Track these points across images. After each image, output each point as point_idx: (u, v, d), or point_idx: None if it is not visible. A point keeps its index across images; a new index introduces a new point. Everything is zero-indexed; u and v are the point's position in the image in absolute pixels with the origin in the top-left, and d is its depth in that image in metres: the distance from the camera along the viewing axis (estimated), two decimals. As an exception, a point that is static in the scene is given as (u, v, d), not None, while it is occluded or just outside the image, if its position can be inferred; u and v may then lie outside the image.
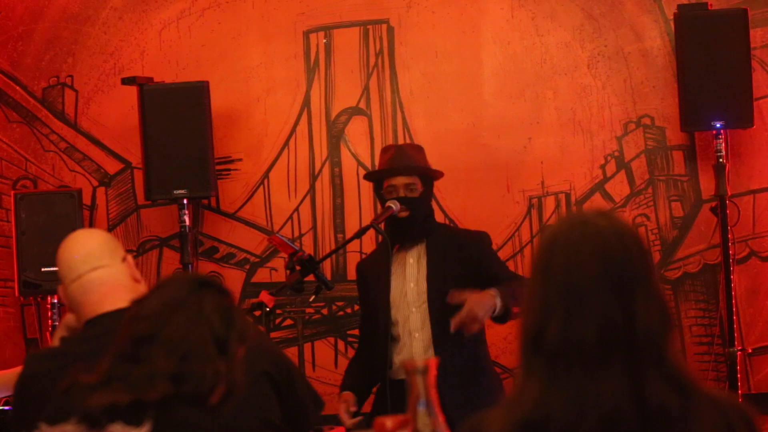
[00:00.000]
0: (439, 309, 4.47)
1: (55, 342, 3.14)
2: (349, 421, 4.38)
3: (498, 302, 4.27)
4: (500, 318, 4.39)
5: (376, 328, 4.59)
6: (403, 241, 4.58)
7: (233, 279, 5.97)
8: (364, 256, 5.35)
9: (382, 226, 4.53)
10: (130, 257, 3.17)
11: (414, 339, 4.53)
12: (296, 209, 6.00)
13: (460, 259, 4.55)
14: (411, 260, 4.60)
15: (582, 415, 1.91)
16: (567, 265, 1.98)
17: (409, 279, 4.58)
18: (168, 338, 2.64)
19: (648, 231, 5.75)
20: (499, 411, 2.00)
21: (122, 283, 3.05)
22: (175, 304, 2.68)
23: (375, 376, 4.59)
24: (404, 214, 4.53)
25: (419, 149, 4.73)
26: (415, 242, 4.59)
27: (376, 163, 5.73)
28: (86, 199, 6.04)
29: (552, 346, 1.95)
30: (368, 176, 4.82)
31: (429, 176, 4.63)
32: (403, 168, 4.56)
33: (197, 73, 5.96)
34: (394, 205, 4.52)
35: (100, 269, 3.08)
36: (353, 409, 4.44)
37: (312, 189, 5.99)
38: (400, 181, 4.56)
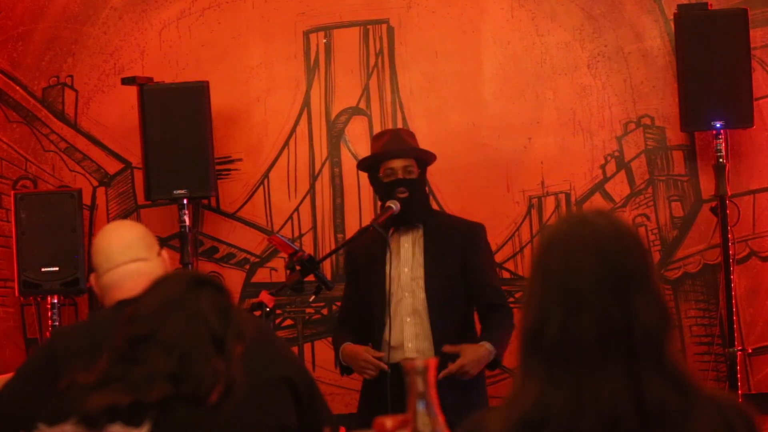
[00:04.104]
0: (435, 297, 4.52)
1: None
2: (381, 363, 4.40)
3: (492, 356, 4.43)
4: (489, 366, 4.51)
5: (364, 309, 4.59)
6: (401, 223, 4.58)
7: (233, 279, 5.97)
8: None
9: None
10: (164, 252, 3.19)
11: (405, 323, 4.54)
12: (296, 209, 6.00)
13: (456, 249, 4.57)
14: (406, 245, 4.59)
15: (581, 415, 1.91)
16: (565, 264, 1.98)
17: (404, 263, 4.58)
18: (166, 338, 2.64)
19: (648, 231, 5.75)
20: (498, 410, 2.00)
21: (157, 276, 3.05)
22: (171, 303, 2.68)
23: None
24: (404, 195, 4.54)
25: (411, 134, 4.76)
26: (411, 226, 4.60)
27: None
28: (86, 199, 6.04)
29: (551, 345, 1.95)
30: (363, 162, 4.76)
31: (423, 160, 4.65)
32: (400, 151, 4.57)
33: (197, 73, 5.96)
34: (394, 205, 4.52)
35: (138, 262, 3.10)
36: (379, 354, 4.45)
37: (312, 189, 5.99)
38: (397, 163, 4.57)
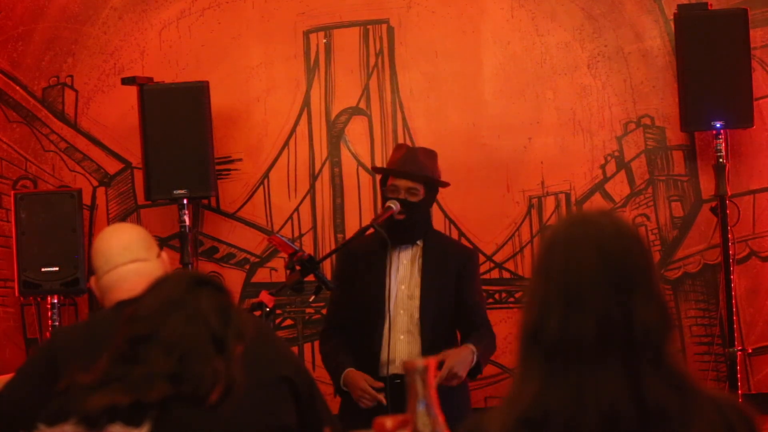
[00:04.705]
0: (429, 317, 4.55)
1: None
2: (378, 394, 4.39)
3: (475, 358, 4.43)
4: (470, 374, 4.50)
5: (356, 319, 4.59)
6: (396, 242, 4.59)
7: (233, 279, 5.97)
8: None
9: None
10: (164, 254, 3.19)
11: (399, 341, 4.56)
12: (296, 209, 6.00)
13: (452, 272, 4.61)
14: (405, 261, 4.61)
15: (581, 413, 1.92)
16: (567, 263, 1.98)
17: (401, 280, 4.59)
18: (166, 338, 2.64)
19: (648, 231, 5.75)
20: (498, 409, 2.00)
21: (157, 277, 3.05)
22: (171, 303, 2.68)
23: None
24: (400, 217, 4.55)
25: (431, 155, 4.68)
26: (409, 244, 4.61)
27: (377, 162, 5.76)
28: (86, 199, 6.04)
29: (551, 343, 1.95)
30: (375, 170, 4.87)
31: (434, 184, 4.65)
32: (407, 173, 4.57)
33: (197, 73, 5.96)
34: (394, 205, 4.53)
35: (137, 262, 3.10)
36: (378, 384, 4.43)
37: (312, 189, 5.99)
38: (402, 183, 4.57)
